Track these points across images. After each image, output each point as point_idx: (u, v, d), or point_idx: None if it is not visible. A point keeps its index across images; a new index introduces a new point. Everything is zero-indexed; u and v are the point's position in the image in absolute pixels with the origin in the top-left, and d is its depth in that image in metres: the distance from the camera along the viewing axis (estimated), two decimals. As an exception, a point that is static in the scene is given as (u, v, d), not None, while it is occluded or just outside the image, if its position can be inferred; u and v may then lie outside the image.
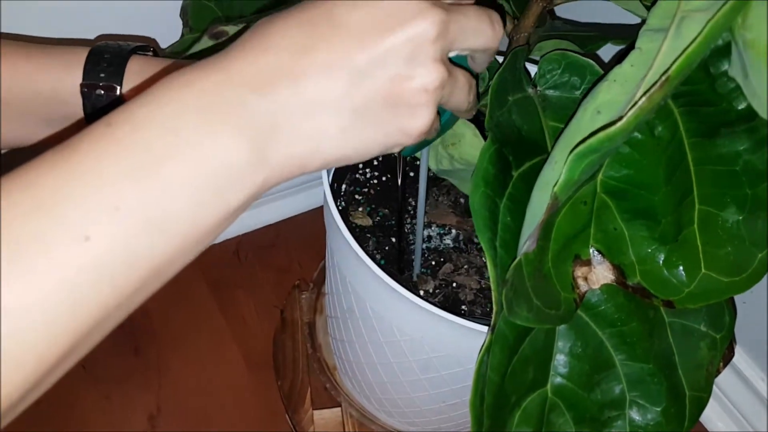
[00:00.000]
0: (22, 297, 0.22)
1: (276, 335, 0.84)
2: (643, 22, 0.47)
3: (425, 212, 0.63)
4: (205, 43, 0.40)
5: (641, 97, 0.27)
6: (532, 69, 0.52)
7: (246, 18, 0.54)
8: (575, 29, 0.56)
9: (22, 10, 0.60)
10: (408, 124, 0.29)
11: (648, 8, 0.43)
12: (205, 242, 0.27)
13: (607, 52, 0.55)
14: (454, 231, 0.62)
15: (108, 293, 0.24)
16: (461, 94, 0.32)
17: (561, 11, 0.66)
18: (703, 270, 0.41)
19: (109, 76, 0.38)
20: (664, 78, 0.27)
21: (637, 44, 0.33)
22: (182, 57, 0.41)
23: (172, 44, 0.44)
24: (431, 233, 0.62)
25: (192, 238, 0.26)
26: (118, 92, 0.38)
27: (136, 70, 0.38)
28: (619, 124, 0.28)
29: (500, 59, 0.56)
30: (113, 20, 0.64)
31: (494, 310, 0.37)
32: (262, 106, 0.26)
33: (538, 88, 0.47)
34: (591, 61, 0.45)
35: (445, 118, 0.39)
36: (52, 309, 0.22)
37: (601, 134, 0.28)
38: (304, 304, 0.83)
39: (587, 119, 0.34)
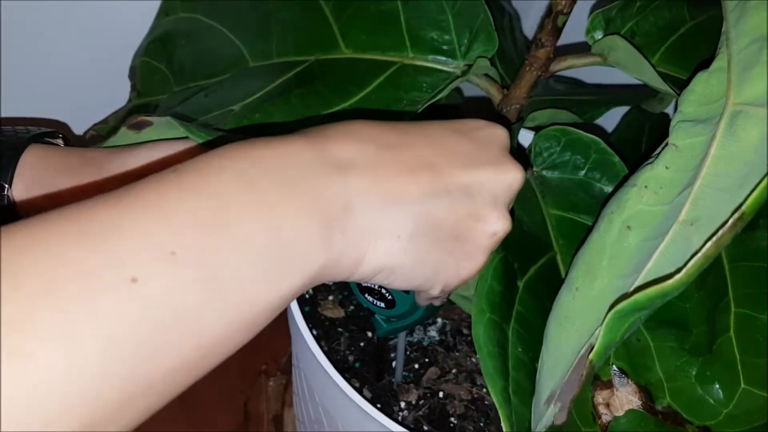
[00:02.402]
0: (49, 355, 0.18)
1: (238, 433, 0.74)
2: (646, 86, 0.41)
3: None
4: (124, 135, 0.32)
5: (707, 242, 0.20)
6: (525, 135, 0.46)
7: (196, 86, 0.46)
8: (572, 91, 0.49)
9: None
10: (463, 263, 0.28)
11: (662, 76, 0.37)
12: (246, 335, 0.23)
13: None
14: (440, 320, 0.54)
15: (144, 357, 0.19)
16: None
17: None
18: (742, 385, 0.35)
19: None
20: (737, 216, 0.20)
21: (672, 140, 0.26)
22: (98, 146, 0.34)
23: (92, 126, 0.36)
24: (413, 323, 0.54)
25: (243, 319, 0.22)
26: (5, 191, 0.31)
27: (32, 164, 0.31)
28: (677, 277, 0.21)
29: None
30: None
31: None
32: (339, 187, 0.24)
33: (535, 169, 0.40)
34: (596, 138, 0.39)
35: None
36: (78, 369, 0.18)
37: (652, 290, 0.21)
38: (272, 393, 0.74)
39: (614, 235, 0.27)
